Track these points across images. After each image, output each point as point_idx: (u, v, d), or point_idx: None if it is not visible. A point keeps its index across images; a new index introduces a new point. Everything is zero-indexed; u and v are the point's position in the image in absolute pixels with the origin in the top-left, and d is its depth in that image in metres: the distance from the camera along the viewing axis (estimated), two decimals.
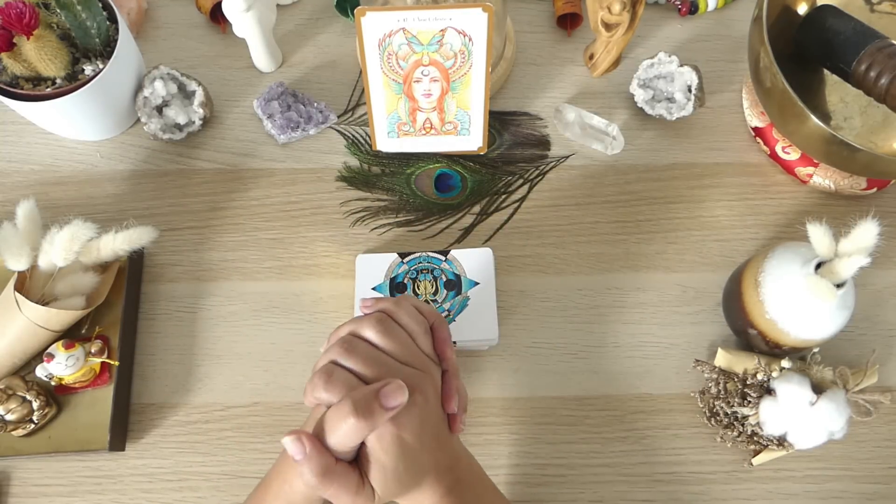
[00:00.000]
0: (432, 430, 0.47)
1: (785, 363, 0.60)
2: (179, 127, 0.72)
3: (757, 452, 0.62)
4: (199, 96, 0.71)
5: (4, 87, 0.64)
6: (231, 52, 0.78)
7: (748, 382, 0.61)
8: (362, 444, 0.45)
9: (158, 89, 0.70)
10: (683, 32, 0.80)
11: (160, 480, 0.62)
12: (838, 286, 0.54)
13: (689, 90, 0.72)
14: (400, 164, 0.73)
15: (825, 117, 0.72)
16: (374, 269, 0.66)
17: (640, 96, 0.73)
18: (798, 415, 0.58)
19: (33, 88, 0.65)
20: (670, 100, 0.73)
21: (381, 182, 0.72)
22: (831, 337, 0.58)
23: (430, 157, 0.73)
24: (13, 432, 0.61)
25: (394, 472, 0.45)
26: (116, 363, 0.62)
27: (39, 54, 0.62)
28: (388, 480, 0.45)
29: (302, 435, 0.43)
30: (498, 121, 0.75)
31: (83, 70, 0.66)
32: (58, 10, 0.64)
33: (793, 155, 0.71)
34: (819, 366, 0.61)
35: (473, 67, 0.65)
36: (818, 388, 0.59)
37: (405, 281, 0.65)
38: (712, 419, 0.62)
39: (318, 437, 0.44)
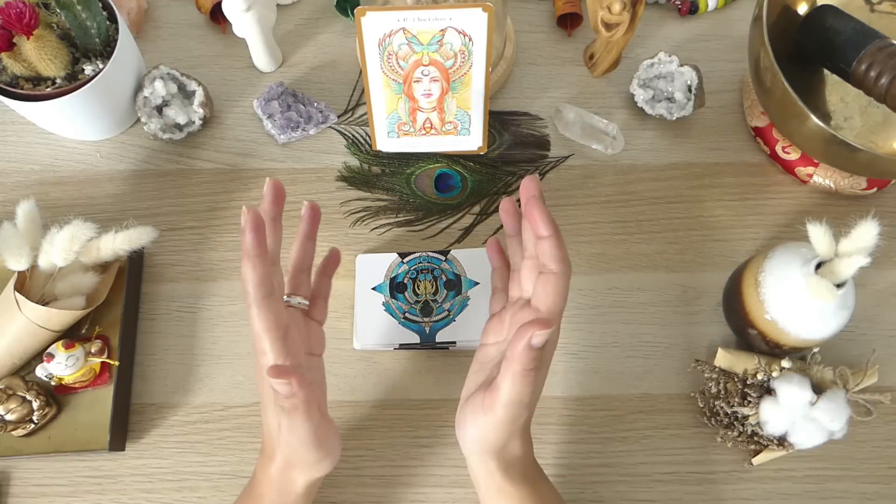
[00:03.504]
0: None
1: (785, 363, 0.60)
2: (179, 127, 0.72)
3: (757, 452, 0.62)
4: (199, 96, 0.71)
5: (4, 87, 0.64)
6: (231, 52, 0.78)
7: (748, 382, 0.61)
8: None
9: (158, 89, 0.70)
10: (683, 32, 0.80)
11: (160, 480, 0.62)
12: (838, 286, 0.54)
13: (689, 90, 0.72)
14: (400, 164, 0.73)
15: (825, 117, 0.72)
16: (374, 269, 0.66)
17: (640, 96, 0.73)
18: (798, 415, 0.58)
19: (33, 88, 0.65)
20: (670, 100, 0.73)
21: (381, 182, 0.72)
22: (831, 337, 0.58)
23: (430, 157, 0.73)
24: (13, 432, 0.61)
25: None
26: (116, 363, 0.62)
27: (39, 54, 0.62)
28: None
29: None
30: (498, 121, 0.75)
31: (83, 70, 0.66)
32: (58, 10, 0.64)
33: (793, 155, 0.71)
34: (819, 366, 0.61)
35: (473, 67, 0.65)
36: (818, 388, 0.59)
37: (405, 281, 0.65)
38: (712, 419, 0.62)
39: None
